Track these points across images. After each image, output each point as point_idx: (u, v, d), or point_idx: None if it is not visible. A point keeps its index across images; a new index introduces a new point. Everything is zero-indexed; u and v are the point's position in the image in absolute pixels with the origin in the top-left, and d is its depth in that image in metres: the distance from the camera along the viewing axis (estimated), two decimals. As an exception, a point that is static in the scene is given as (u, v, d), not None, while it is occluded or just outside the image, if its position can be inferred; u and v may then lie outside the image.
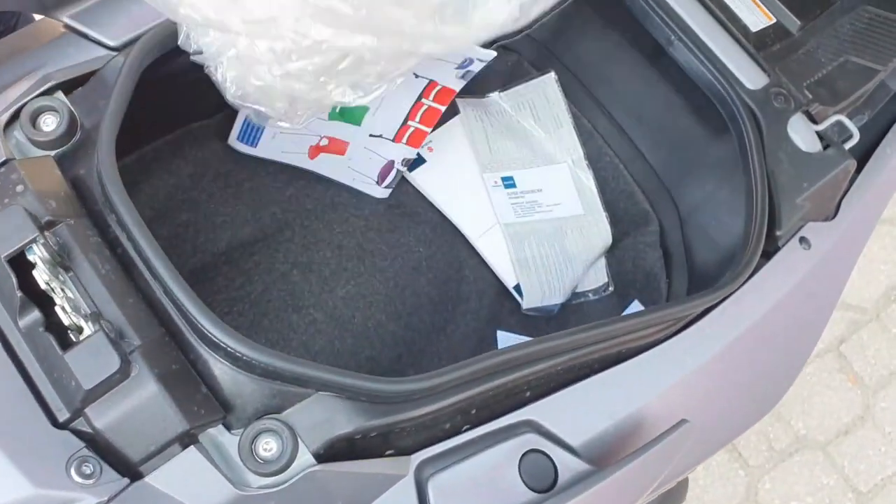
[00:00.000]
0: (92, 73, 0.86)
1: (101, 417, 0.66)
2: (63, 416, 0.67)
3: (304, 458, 0.71)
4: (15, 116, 0.80)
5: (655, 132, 1.26)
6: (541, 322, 1.30)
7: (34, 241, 0.67)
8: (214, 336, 0.70)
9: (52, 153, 0.79)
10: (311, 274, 1.15)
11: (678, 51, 1.15)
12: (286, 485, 0.70)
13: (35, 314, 0.68)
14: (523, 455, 0.83)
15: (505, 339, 1.26)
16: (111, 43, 0.87)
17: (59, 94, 0.82)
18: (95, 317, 0.67)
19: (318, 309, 1.13)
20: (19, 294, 0.67)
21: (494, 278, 1.29)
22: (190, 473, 0.67)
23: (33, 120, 0.78)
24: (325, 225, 1.21)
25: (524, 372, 0.83)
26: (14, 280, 0.67)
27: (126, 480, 0.66)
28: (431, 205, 1.29)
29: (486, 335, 1.25)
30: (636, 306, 1.27)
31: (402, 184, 1.30)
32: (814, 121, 1.16)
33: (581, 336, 0.86)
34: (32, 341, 0.68)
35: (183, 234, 1.17)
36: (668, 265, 1.27)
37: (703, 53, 1.13)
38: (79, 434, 0.67)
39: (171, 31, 0.85)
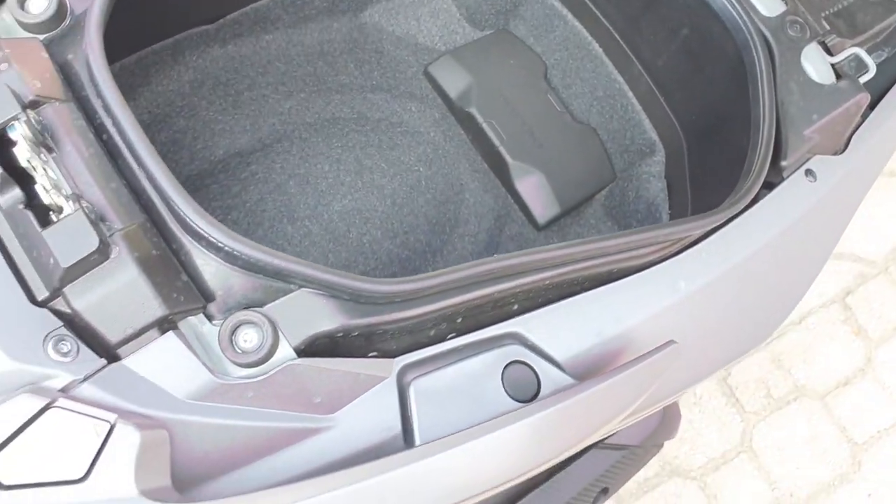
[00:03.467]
0: None
1: (80, 298, 0.66)
2: (41, 294, 0.66)
3: (285, 351, 0.71)
4: None
5: (667, 61, 1.23)
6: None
7: (16, 118, 0.66)
8: (197, 225, 0.69)
9: (41, 37, 0.78)
10: (307, 186, 1.14)
11: (693, -28, 1.11)
12: (265, 376, 0.70)
13: (15, 192, 0.67)
14: (507, 365, 0.82)
15: (502, 263, 1.25)
16: None
17: None
18: (76, 197, 0.66)
19: (313, 221, 1.12)
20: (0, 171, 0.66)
21: (495, 203, 1.28)
22: (168, 359, 0.67)
23: (21, 1, 0.77)
24: (324, 139, 1.19)
25: (512, 284, 0.82)
26: (-6, 157, 0.66)
27: (103, 361, 0.66)
28: (434, 124, 1.28)
29: (483, 259, 1.24)
30: (636, 237, 1.25)
31: (406, 101, 1.28)
32: (829, 52, 1.12)
33: (574, 250, 0.84)
34: (12, 219, 0.67)
35: (181, 140, 1.16)
36: (670, 196, 1.25)
37: (718, -24, 1.09)
38: (57, 314, 0.66)
39: None
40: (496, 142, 1.28)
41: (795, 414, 2.16)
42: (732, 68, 1.12)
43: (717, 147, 1.19)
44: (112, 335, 0.66)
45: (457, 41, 1.38)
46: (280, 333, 0.71)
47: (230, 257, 0.71)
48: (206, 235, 0.69)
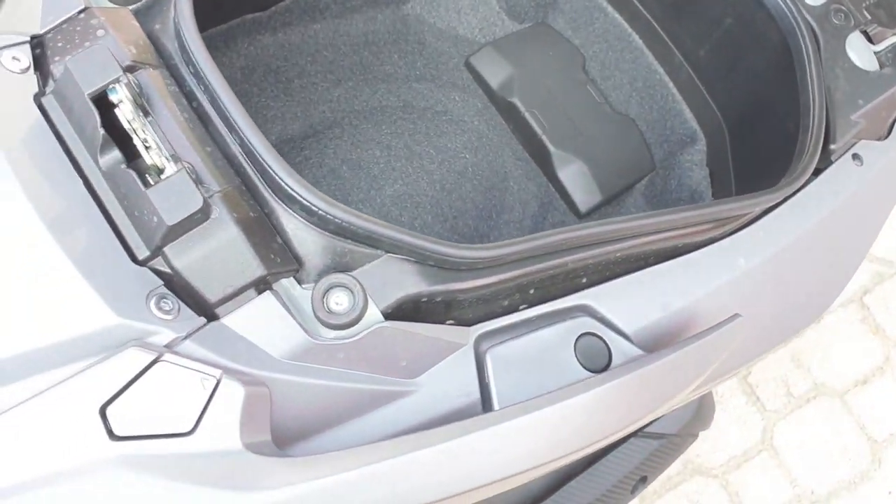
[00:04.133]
0: None
1: (180, 257, 0.67)
2: (142, 253, 0.67)
3: (373, 314, 0.72)
4: None
5: (708, 50, 1.25)
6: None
7: (117, 80, 0.67)
8: (291, 188, 0.70)
9: (129, 8, 0.79)
10: (360, 171, 1.16)
11: (739, -38, 1.14)
12: (355, 338, 0.71)
13: (116, 153, 0.68)
14: (579, 337, 0.84)
15: (546, 250, 1.27)
16: None
17: None
18: (177, 158, 0.67)
19: (366, 205, 1.14)
20: (101, 132, 0.67)
21: (538, 191, 1.30)
22: (264, 318, 0.68)
23: None
24: (373, 126, 1.21)
25: (585, 254, 0.83)
26: (97, 118, 0.67)
27: (203, 320, 0.67)
28: (477, 113, 1.29)
29: (528, 246, 1.26)
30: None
31: (449, 91, 1.29)
32: (871, 41, 1.15)
33: (644, 222, 0.86)
34: (113, 179, 0.68)
35: (233, 126, 1.17)
36: (713, 184, 1.27)
37: (764, -35, 1.12)
38: (157, 273, 0.67)
39: None
40: (538, 130, 1.30)
41: (815, 412, 2.17)
42: (776, 56, 1.14)
43: (760, 134, 1.21)
44: (211, 294, 0.67)
45: (496, 33, 1.40)
46: (368, 297, 0.72)
47: (322, 221, 0.72)
48: (301, 199, 0.70)
